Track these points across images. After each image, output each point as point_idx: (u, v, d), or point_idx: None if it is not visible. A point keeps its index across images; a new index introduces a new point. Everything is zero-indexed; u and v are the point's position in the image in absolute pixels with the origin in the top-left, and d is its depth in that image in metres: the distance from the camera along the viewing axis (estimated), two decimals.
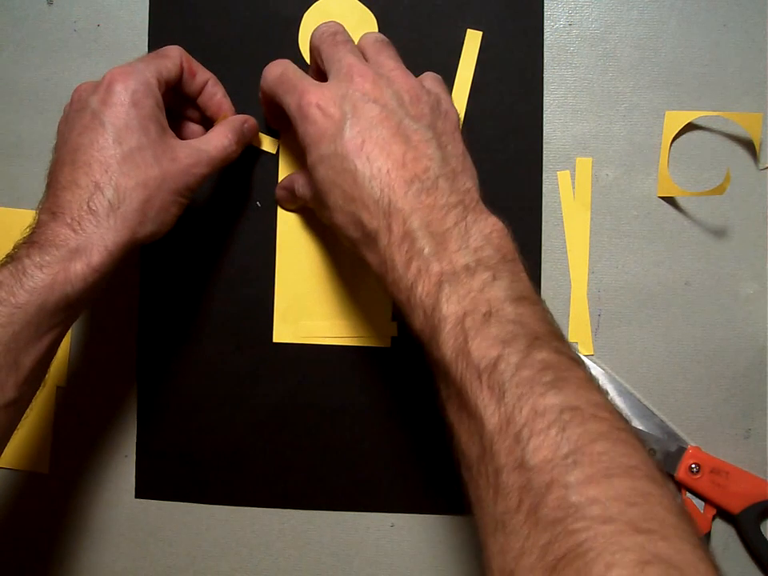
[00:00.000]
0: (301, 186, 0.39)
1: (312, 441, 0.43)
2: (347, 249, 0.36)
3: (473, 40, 0.42)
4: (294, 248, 0.43)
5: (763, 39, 0.42)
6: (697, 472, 0.40)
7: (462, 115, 0.42)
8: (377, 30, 0.42)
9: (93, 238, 0.33)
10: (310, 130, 0.34)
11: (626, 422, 0.27)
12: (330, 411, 0.43)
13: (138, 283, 0.44)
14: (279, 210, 0.43)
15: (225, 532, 0.44)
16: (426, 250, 0.30)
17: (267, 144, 0.43)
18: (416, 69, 0.42)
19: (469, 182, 0.33)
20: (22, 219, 0.43)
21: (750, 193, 0.42)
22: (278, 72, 0.36)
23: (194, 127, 0.42)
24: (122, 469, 0.44)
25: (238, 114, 0.41)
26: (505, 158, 0.42)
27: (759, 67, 0.42)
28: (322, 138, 0.33)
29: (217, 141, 0.38)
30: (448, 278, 0.30)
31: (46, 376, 0.35)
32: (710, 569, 0.23)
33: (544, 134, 0.42)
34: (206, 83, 0.40)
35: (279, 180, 0.43)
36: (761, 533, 0.40)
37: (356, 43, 0.37)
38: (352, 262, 0.43)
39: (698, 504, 0.40)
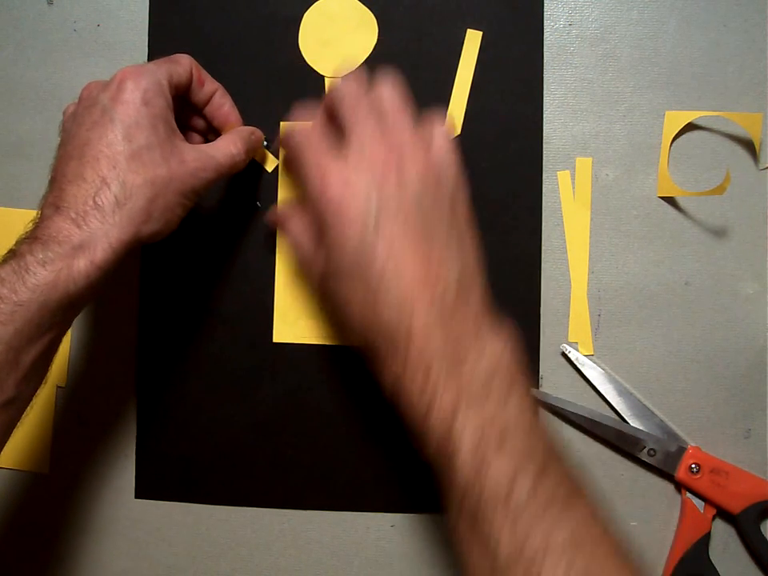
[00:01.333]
0: (302, 242, 0.38)
1: (312, 441, 0.43)
2: None
3: (473, 40, 0.42)
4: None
5: (763, 39, 0.42)
6: (697, 472, 0.40)
7: (462, 114, 0.42)
8: (377, 30, 0.42)
9: (97, 234, 0.32)
10: (333, 231, 0.34)
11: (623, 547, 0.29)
12: (330, 411, 0.43)
13: (138, 283, 0.44)
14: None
15: (225, 532, 0.44)
16: (441, 379, 0.31)
17: (269, 162, 0.43)
18: (416, 68, 0.42)
19: (478, 293, 0.34)
20: (22, 219, 0.43)
21: (749, 193, 0.42)
22: (298, 138, 0.36)
23: (196, 138, 0.41)
24: (122, 469, 0.44)
25: (239, 107, 0.41)
26: (505, 157, 0.42)
27: (759, 67, 0.42)
28: (344, 242, 0.33)
29: (225, 148, 0.38)
30: (462, 404, 0.30)
31: (47, 374, 0.34)
32: None
33: (544, 134, 0.42)
34: (213, 93, 0.40)
35: (279, 187, 0.43)
36: (761, 533, 0.40)
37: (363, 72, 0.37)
38: None
39: (698, 504, 0.40)
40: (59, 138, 0.36)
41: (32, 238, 0.33)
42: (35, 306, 0.31)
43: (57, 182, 0.34)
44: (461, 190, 0.35)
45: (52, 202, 0.33)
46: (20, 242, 0.33)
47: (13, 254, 0.32)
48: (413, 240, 0.33)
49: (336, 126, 0.37)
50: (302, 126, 0.37)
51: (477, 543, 0.29)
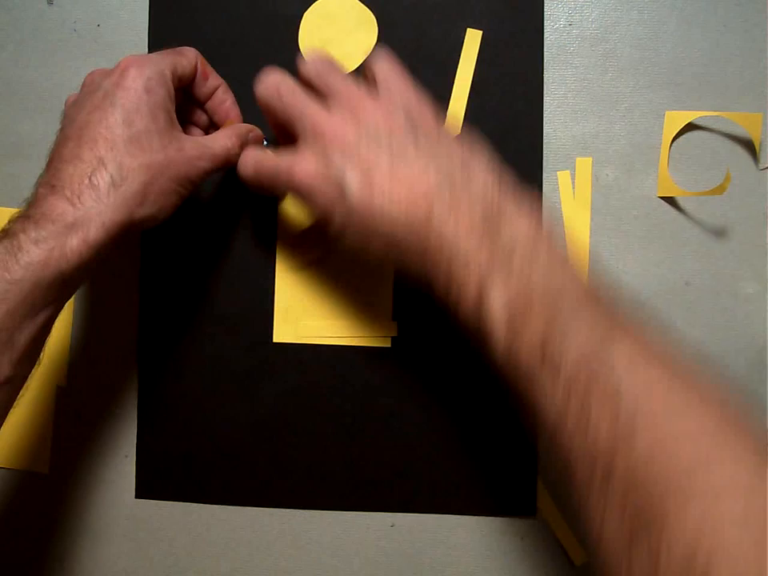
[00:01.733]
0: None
1: (312, 441, 0.43)
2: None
3: (473, 39, 0.42)
4: (294, 248, 0.43)
5: (763, 39, 0.42)
6: None
7: (462, 114, 0.42)
8: (376, 29, 0.42)
9: (91, 213, 0.32)
10: (318, 203, 0.34)
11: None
12: (330, 411, 0.43)
13: (137, 283, 0.44)
14: (279, 211, 0.43)
15: (225, 532, 0.44)
16: (466, 259, 0.31)
17: None
18: (416, 68, 0.42)
19: (476, 173, 0.34)
20: None
21: (749, 193, 0.42)
22: (253, 161, 0.37)
23: (196, 132, 0.41)
24: (122, 469, 0.44)
25: (240, 105, 0.41)
26: (505, 157, 0.42)
27: (759, 67, 0.42)
28: (329, 207, 0.34)
29: (222, 141, 0.38)
30: (489, 277, 0.31)
31: (41, 354, 0.34)
32: None
33: (544, 134, 0.42)
34: (216, 89, 0.40)
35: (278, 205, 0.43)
36: None
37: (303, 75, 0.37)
38: (352, 261, 0.43)
39: None
40: (61, 123, 0.36)
41: (25, 216, 0.33)
42: (28, 285, 0.31)
43: (53, 162, 0.34)
44: (418, 113, 0.35)
45: (47, 181, 0.34)
46: (12, 221, 0.33)
47: (5, 233, 0.32)
48: (384, 161, 0.33)
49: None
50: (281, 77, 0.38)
51: (530, 410, 0.29)
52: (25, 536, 0.44)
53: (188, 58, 0.38)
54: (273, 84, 0.37)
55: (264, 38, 0.43)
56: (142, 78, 0.35)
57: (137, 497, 0.44)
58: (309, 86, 0.37)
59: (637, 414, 0.26)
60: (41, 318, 0.32)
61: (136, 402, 0.44)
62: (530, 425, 0.30)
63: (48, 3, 0.44)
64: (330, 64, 0.37)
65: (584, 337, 0.28)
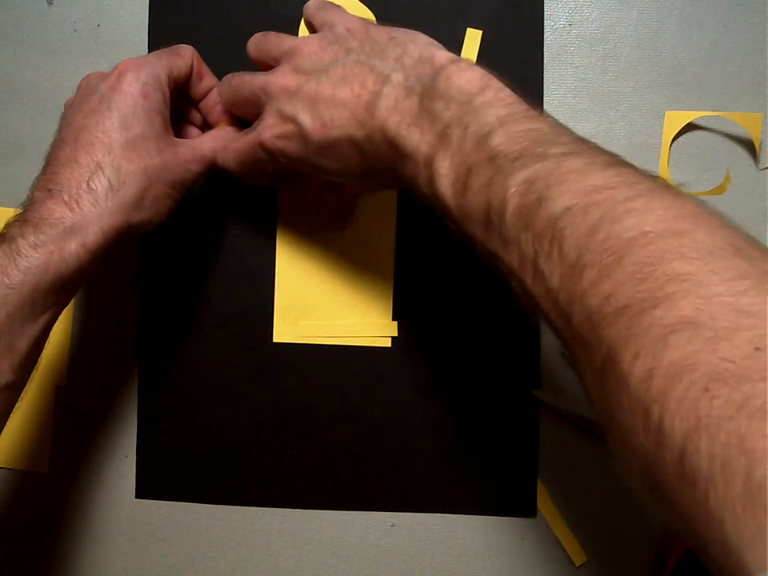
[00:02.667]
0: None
1: (312, 441, 0.43)
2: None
3: (472, 39, 0.42)
4: (294, 248, 0.43)
5: (763, 39, 0.42)
6: None
7: None
8: None
9: (89, 218, 0.33)
10: (292, 155, 0.35)
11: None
12: (330, 411, 0.43)
13: (138, 283, 0.44)
14: (279, 211, 0.43)
15: (225, 532, 0.44)
16: (410, 147, 0.30)
17: None
18: None
19: (413, 53, 0.33)
20: None
21: (749, 193, 0.42)
22: (230, 151, 0.38)
23: (193, 131, 0.42)
24: (122, 469, 0.44)
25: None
26: None
27: (759, 67, 0.42)
28: (303, 152, 0.34)
29: (209, 143, 0.38)
30: (435, 156, 0.29)
31: (40, 357, 0.34)
32: None
33: None
34: (210, 89, 0.40)
35: (278, 205, 0.43)
36: None
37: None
38: (352, 262, 0.43)
39: None
40: (58, 126, 0.36)
41: (22, 220, 0.33)
42: (27, 289, 0.31)
43: (50, 165, 0.34)
44: (345, 24, 0.36)
45: (44, 185, 0.34)
46: (10, 225, 0.33)
47: (3, 237, 0.32)
48: (328, 90, 0.33)
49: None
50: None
51: (499, 272, 0.28)
52: (25, 536, 0.44)
53: (184, 58, 0.38)
54: (223, 83, 0.38)
55: None
56: (139, 82, 0.35)
57: (137, 497, 0.44)
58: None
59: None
60: (40, 323, 0.32)
61: (136, 402, 0.44)
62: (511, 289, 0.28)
63: (48, 3, 0.44)
64: (274, 34, 0.38)
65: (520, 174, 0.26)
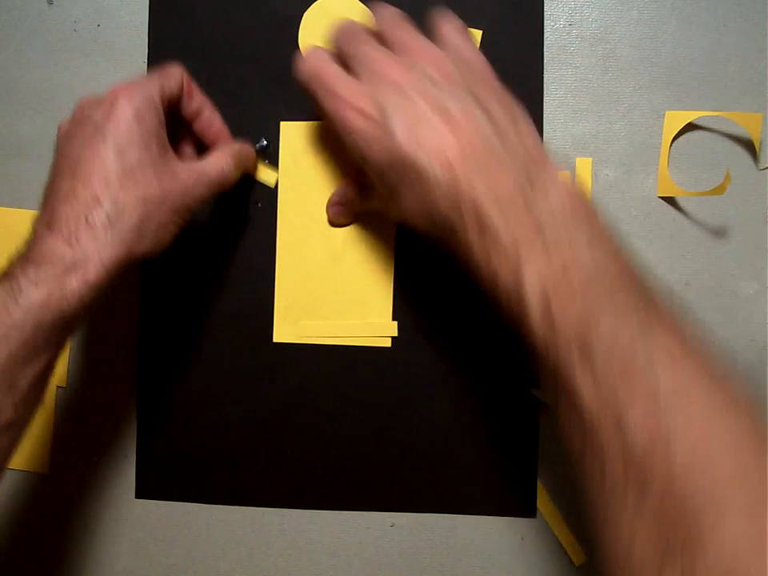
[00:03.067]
0: (358, 196, 0.40)
1: (312, 440, 0.43)
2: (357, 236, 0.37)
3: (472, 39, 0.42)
4: (294, 248, 0.43)
5: (763, 39, 0.42)
6: None
7: None
8: None
9: (89, 253, 0.32)
10: (358, 141, 0.34)
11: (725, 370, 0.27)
12: (330, 411, 0.43)
13: (138, 283, 0.44)
14: (279, 210, 0.43)
15: (225, 532, 0.44)
16: (500, 230, 0.30)
17: (266, 175, 0.43)
18: None
19: (525, 135, 0.33)
20: (22, 219, 0.44)
21: (750, 193, 0.42)
22: (310, 68, 0.36)
23: (186, 150, 0.41)
24: (122, 469, 0.44)
25: (239, 112, 0.41)
26: None
27: (759, 67, 0.42)
28: (373, 146, 0.33)
29: (216, 164, 0.38)
30: (525, 253, 0.29)
31: (43, 396, 0.34)
32: None
33: (544, 134, 0.42)
34: (201, 108, 0.39)
35: (279, 187, 0.43)
36: None
37: (371, 26, 0.37)
38: (352, 262, 0.43)
39: None
40: (53, 157, 0.36)
41: (24, 258, 0.33)
42: (29, 327, 0.31)
43: (49, 199, 0.34)
44: (480, 69, 0.35)
45: (45, 220, 0.33)
46: (12, 264, 0.33)
47: (5, 275, 0.32)
48: (429, 109, 0.32)
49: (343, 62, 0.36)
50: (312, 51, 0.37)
51: (563, 398, 0.28)
52: (25, 536, 0.44)
53: (174, 77, 0.37)
54: (338, 26, 0.37)
55: (264, 38, 0.43)
56: (132, 107, 0.34)
57: (137, 497, 0.44)
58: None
59: (676, 416, 0.25)
60: (42, 360, 0.32)
61: (136, 402, 0.44)
62: (564, 419, 0.28)
63: (48, 3, 0.44)
64: (401, 18, 0.37)
65: (622, 325, 0.27)
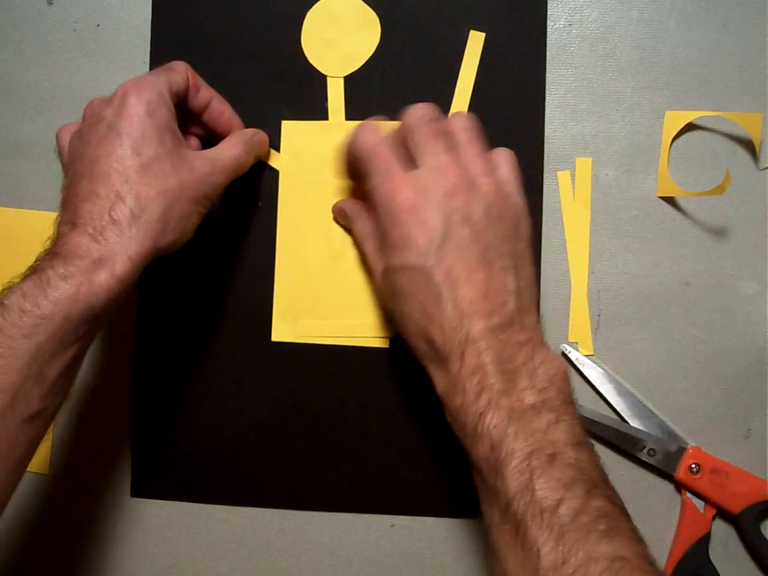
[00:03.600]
0: (363, 229, 0.39)
1: (311, 441, 0.43)
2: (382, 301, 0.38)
3: (475, 41, 0.42)
4: (294, 248, 0.43)
5: (763, 39, 0.42)
6: (697, 472, 0.40)
7: None
8: (379, 29, 0.42)
9: (116, 248, 0.33)
10: (397, 233, 0.34)
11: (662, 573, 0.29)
12: (329, 411, 0.43)
13: (137, 282, 0.44)
14: (279, 210, 0.43)
15: (225, 532, 0.44)
16: (497, 385, 0.31)
17: (275, 160, 0.43)
18: (418, 69, 0.42)
19: (535, 316, 0.34)
20: (22, 219, 0.44)
21: (750, 193, 0.42)
22: (371, 142, 0.36)
23: (195, 143, 0.42)
24: (122, 469, 0.44)
25: (241, 111, 0.41)
26: None
27: (759, 67, 0.42)
28: (409, 247, 0.33)
29: (229, 151, 0.38)
30: (516, 414, 0.31)
31: (71, 389, 0.34)
32: None
33: (544, 134, 0.42)
34: (210, 100, 0.40)
35: (279, 187, 0.43)
36: (761, 533, 0.40)
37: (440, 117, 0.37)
38: (352, 262, 0.43)
39: (698, 504, 0.40)
40: (67, 159, 0.36)
41: (52, 253, 0.33)
42: (58, 320, 0.31)
43: (70, 200, 0.34)
44: (523, 220, 0.35)
45: (68, 219, 0.34)
46: (40, 259, 0.33)
47: (33, 269, 0.33)
48: (471, 266, 0.33)
49: (406, 152, 0.36)
50: (376, 126, 0.37)
51: (519, 550, 0.29)
52: (25, 536, 0.44)
53: (179, 72, 0.38)
54: (414, 111, 0.36)
55: (266, 38, 0.43)
56: (142, 103, 0.35)
57: (132, 495, 0.44)
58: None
59: None
60: (70, 353, 0.33)
61: (133, 401, 0.44)
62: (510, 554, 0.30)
63: (48, 3, 0.44)
64: (473, 129, 0.37)
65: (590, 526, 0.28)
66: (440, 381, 0.34)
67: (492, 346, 0.32)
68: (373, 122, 0.37)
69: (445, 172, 0.34)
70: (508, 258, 0.34)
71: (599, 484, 0.30)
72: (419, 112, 0.36)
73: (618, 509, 0.29)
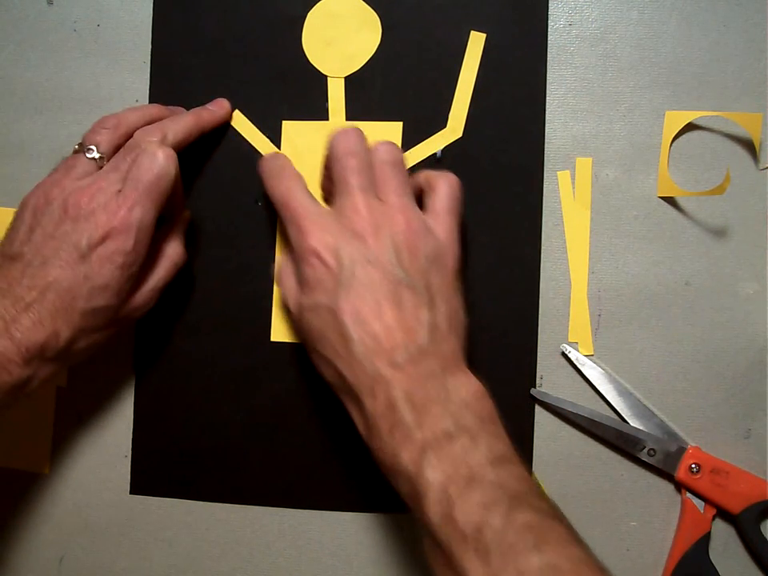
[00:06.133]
0: (286, 267, 0.38)
1: (311, 440, 0.43)
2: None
3: (476, 42, 0.42)
4: None
5: (763, 39, 0.42)
6: (697, 472, 0.40)
7: (464, 115, 0.42)
8: (380, 30, 0.42)
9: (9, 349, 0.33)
10: (308, 273, 0.34)
11: (606, 570, 0.28)
12: (328, 410, 0.43)
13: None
14: None
15: (225, 532, 0.44)
16: (409, 419, 0.31)
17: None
18: (419, 69, 0.42)
19: (453, 342, 0.34)
20: None
21: (750, 193, 0.42)
22: (283, 192, 0.37)
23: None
24: (122, 469, 0.44)
25: (242, 110, 0.41)
26: (506, 158, 0.42)
27: (759, 67, 0.42)
28: (318, 287, 0.34)
29: (161, 273, 0.39)
30: (430, 444, 0.30)
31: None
32: None
33: (544, 134, 0.42)
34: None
35: None
36: (761, 533, 0.40)
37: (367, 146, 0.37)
38: None
39: (698, 504, 0.40)
40: (18, 213, 0.37)
41: None
42: None
43: (5, 259, 0.35)
44: (446, 252, 0.35)
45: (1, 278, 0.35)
46: None
47: None
48: (379, 304, 0.33)
49: (330, 184, 0.37)
50: (289, 171, 0.38)
51: (452, 574, 0.29)
52: (25, 536, 0.44)
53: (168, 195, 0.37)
54: (339, 138, 0.37)
55: (267, 38, 0.43)
56: (120, 253, 0.35)
57: (131, 492, 0.44)
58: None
59: None
60: None
61: (133, 400, 0.44)
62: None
63: (48, 3, 0.44)
64: (398, 160, 0.37)
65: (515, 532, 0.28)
66: (358, 420, 0.34)
67: (401, 381, 0.32)
68: (286, 161, 0.38)
69: (355, 212, 0.35)
70: (422, 293, 0.34)
71: (523, 496, 0.29)
72: (342, 144, 0.36)
73: (547, 517, 0.29)
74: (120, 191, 0.35)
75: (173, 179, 0.36)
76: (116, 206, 0.35)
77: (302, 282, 0.35)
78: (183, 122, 0.39)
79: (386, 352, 0.32)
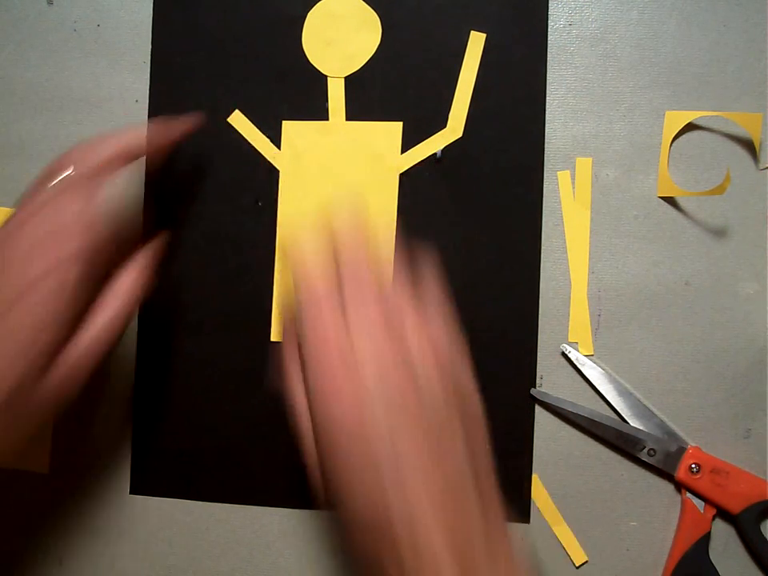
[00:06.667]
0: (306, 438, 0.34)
1: None
2: None
3: (476, 42, 0.42)
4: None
5: (763, 39, 0.42)
6: (697, 472, 0.40)
7: (464, 116, 0.42)
8: (380, 30, 0.42)
9: None
10: (326, 397, 0.31)
11: None
12: None
13: None
14: (279, 210, 0.43)
15: (225, 532, 0.44)
16: None
17: (276, 160, 0.43)
18: (419, 69, 0.42)
19: (490, 487, 0.32)
20: None
21: (750, 193, 0.42)
22: (307, 292, 0.33)
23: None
24: (122, 469, 0.44)
25: (242, 110, 0.41)
26: (506, 158, 0.42)
27: (759, 67, 0.42)
28: (341, 421, 0.30)
29: (96, 333, 0.36)
30: None
31: None
32: None
33: (544, 134, 0.42)
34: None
35: (279, 186, 0.43)
36: (761, 533, 0.40)
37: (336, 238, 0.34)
38: None
39: (698, 504, 0.40)
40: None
41: None
42: None
43: None
44: (466, 382, 0.34)
45: None
46: None
47: None
48: (425, 457, 0.30)
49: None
50: (316, 280, 0.33)
51: None
52: (25, 536, 0.44)
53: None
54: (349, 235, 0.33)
55: (267, 38, 0.43)
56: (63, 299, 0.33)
57: (131, 492, 0.44)
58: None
59: None
60: None
61: (133, 400, 0.44)
62: None
63: (48, 3, 0.45)
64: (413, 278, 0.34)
65: None
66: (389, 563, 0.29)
67: (442, 551, 0.28)
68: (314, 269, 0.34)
69: (327, 388, 0.31)
70: (460, 448, 0.31)
71: None
72: (351, 251, 0.33)
73: None
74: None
75: None
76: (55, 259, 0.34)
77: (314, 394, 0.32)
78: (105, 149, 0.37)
79: (428, 523, 0.29)
